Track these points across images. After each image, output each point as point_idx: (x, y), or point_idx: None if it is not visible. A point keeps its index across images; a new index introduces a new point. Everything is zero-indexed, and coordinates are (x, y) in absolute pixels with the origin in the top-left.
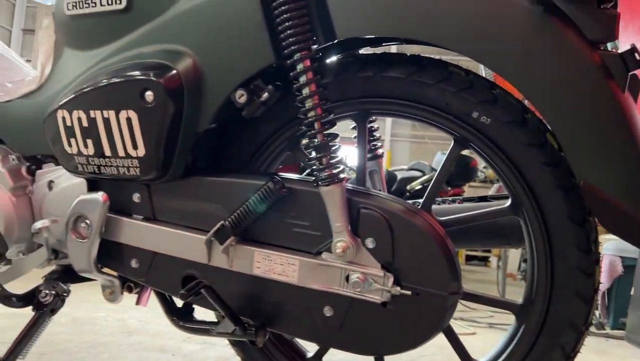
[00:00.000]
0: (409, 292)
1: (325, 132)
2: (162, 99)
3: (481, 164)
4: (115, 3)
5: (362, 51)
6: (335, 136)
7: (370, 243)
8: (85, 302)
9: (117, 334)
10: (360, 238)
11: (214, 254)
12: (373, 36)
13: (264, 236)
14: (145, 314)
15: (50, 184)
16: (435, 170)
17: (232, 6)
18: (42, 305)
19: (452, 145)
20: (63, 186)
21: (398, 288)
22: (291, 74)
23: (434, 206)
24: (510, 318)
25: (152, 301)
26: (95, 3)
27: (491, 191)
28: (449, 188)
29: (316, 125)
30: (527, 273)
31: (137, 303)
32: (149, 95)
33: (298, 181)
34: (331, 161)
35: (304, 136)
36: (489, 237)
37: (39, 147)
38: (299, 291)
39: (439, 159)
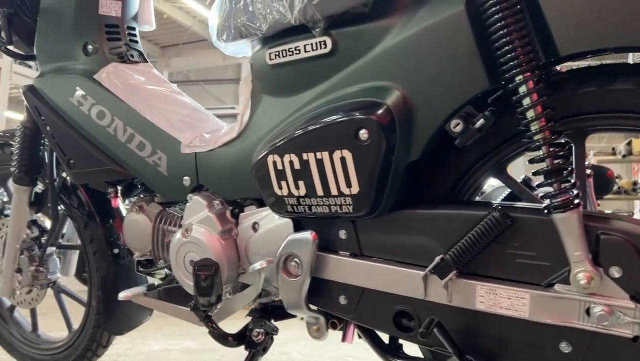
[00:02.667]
0: None
1: (555, 155)
2: (376, 135)
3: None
4: (321, 47)
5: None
6: (567, 157)
7: (616, 272)
8: None
9: None
10: (602, 267)
11: (430, 289)
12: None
13: (484, 269)
14: (304, 347)
15: (254, 226)
16: None
17: (441, 36)
18: (255, 344)
19: None
20: (269, 227)
21: None
22: (514, 97)
23: None
24: None
25: (304, 332)
26: (299, 50)
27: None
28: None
29: (544, 149)
30: None
31: (343, 339)
32: (364, 133)
33: (523, 209)
34: (565, 185)
35: (510, 160)
36: None
37: (242, 192)
38: (530, 326)
39: None
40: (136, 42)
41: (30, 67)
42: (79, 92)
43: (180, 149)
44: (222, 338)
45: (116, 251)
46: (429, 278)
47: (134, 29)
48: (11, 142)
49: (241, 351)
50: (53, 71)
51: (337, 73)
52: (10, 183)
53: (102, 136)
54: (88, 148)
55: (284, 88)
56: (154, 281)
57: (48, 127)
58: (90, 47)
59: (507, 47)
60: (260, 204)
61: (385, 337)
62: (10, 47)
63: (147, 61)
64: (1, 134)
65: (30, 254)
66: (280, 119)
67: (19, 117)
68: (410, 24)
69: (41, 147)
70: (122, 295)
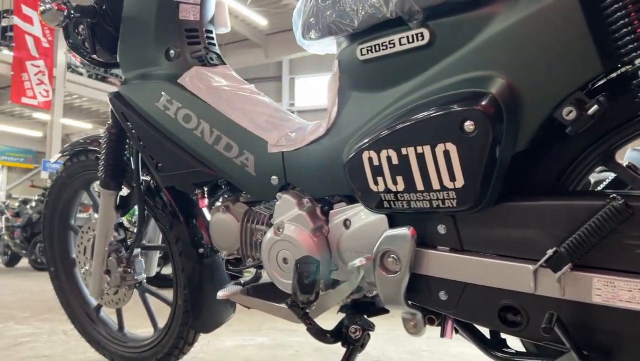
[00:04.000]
0: None
1: None
2: (482, 127)
3: None
4: (417, 40)
5: None
6: None
7: None
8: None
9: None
10: None
11: (541, 283)
12: None
13: (600, 261)
14: (377, 341)
15: (345, 223)
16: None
17: (550, 21)
18: (353, 341)
19: None
20: (361, 224)
21: None
22: (634, 81)
23: None
24: None
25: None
26: (393, 44)
27: None
28: None
29: None
30: None
31: (442, 335)
32: (469, 124)
33: None
34: None
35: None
36: None
37: (332, 189)
38: None
39: (632, 156)
40: (214, 45)
41: (81, 74)
42: (165, 96)
43: (267, 149)
44: (320, 335)
45: (201, 250)
46: (540, 271)
47: (211, 32)
48: (92, 148)
49: (316, 345)
50: (137, 77)
51: (435, 65)
52: (94, 187)
53: (189, 139)
54: (176, 151)
55: (376, 83)
56: (239, 279)
57: (135, 133)
58: (172, 52)
59: (626, 28)
60: (350, 200)
61: (485, 331)
62: (94, 56)
63: (225, 64)
64: (82, 140)
65: (118, 256)
66: (372, 115)
67: (73, 123)
68: (514, 10)
69: (125, 152)
70: (220, 294)
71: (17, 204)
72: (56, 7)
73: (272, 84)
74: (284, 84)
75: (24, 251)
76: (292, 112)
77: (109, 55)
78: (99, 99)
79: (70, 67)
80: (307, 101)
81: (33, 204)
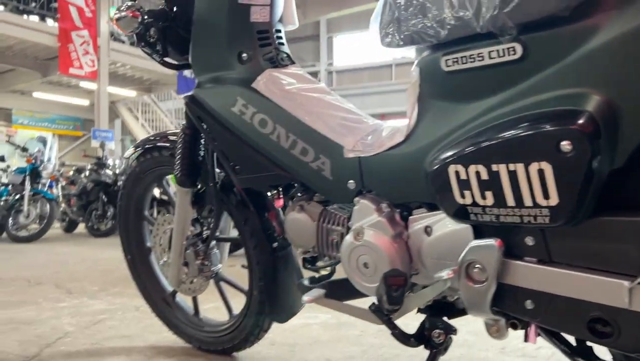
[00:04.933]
0: None
1: None
2: (580, 147)
3: None
4: (509, 54)
5: None
6: None
7: None
8: None
9: None
10: None
11: (637, 299)
12: None
13: None
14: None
15: (427, 229)
16: None
17: None
18: (437, 344)
19: None
20: (444, 232)
21: None
22: None
23: None
24: None
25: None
26: (482, 57)
27: None
28: None
29: None
30: None
31: (526, 340)
32: (566, 145)
33: None
34: None
35: None
36: None
37: (412, 196)
38: None
39: None
40: (283, 44)
41: (123, 42)
42: (240, 101)
43: (344, 154)
44: (404, 338)
45: (275, 244)
46: (637, 288)
47: (280, 31)
48: (163, 145)
49: (380, 326)
50: (210, 80)
51: (527, 79)
52: (166, 181)
53: (265, 143)
54: (252, 155)
55: (461, 94)
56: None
57: (211, 135)
58: (244, 55)
59: None
60: (430, 207)
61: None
62: (166, 59)
63: (294, 62)
64: (152, 137)
65: (195, 249)
66: (457, 126)
67: (118, 91)
68: (615, 25)
69: (200, 151)
70: (306, 299)
71: (71, 172)
72: (131, 15)
73: (309, 43)
74: (322, 44)
75: (80, 218)
76: (330, 72)
77: (180, 56)
78: (141, 66)
79: (112, 35)
80: (345, 61)
81: (87, 173)
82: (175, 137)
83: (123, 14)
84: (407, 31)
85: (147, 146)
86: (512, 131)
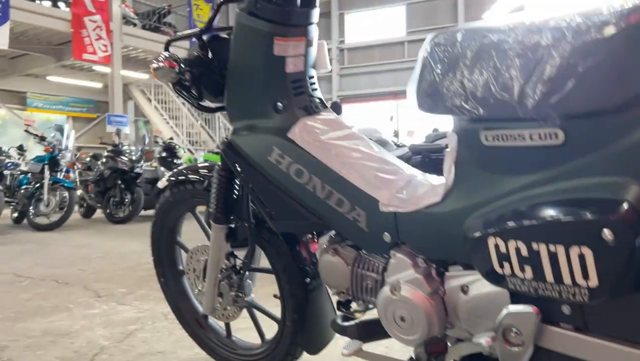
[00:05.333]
0: None
1: None
2: (622, 236)
3: None
4: (551, 138)
5: None
6: None
7: None
8: None
9: None
10: None
11: None
12: None
13: None
14: None
15: (463, 288)
16: None
17: None
18: None
19: None
20: (482, 293)
21: None
22: None
23: None
24: None
25: None
26: (523, 138)
27: None
28: None
29: None
30: None
31: None
32: (608, 233)
33: None
34: None
35: None
36: None
37: (448, 254)
38: None
39: None
40: (316, 89)
41: (135, 25)
42: (277, 151)
43: (379, 207)
44: None
45: (307, 279)
46: None
47: (312, 77)
48: (194, 178)
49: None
50: (246, 128)
51: (567, 163)
52: (198, 211)
53: (301, 192)
54: (288, 201)
55: (500, 167)
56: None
57: (247, 181)
58: (279, 105)
59: None
60: (467, 266)
61: None
62: (201, 103)
63: (326, 107)
64: (184, 171)
65: (230, 282)
66: (495, 196)
67: (130, 74)
68: None
69: (235, 190)
70: (345, 352)
71: (88, 158)
72: (168, 65)
73: (320, 20)
74: (333, 21)
75: (98, 205)
76: (342, 50)
77: (214, 98)
78: (154, 50)
79: (124, 19)
80: (357, 38)
81: (104, 160)
82: (206, 171)
83: (161, 64)
84: (446, 101)
85: (180, 178)
86: (554, 214)
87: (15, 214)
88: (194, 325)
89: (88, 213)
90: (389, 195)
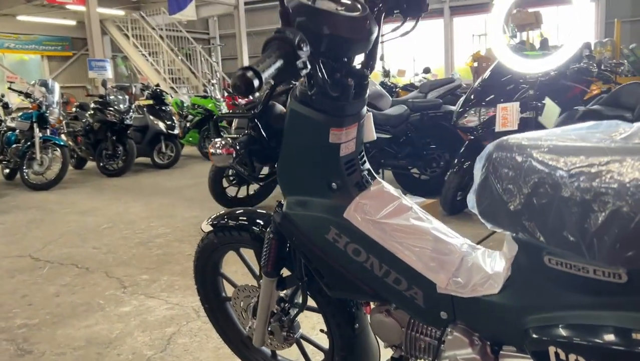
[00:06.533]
0: None
1: None
2: None
3: None
4: (614, 277)
5: None
6: None
7: None
8: None
9: None
10: None
11: None
12: None
13: None
14: None
15: None
16: None
17: None
18: None
19: None
20: None
21: None
22: None
23: None
24: None
25: None
26: (587, 271)
27: None
28: None
29: None
30: None
31: None
32: None
33: None
34: None
35: None
36: None
37: (504, 339)
38: None
39: None
40: (365, 162)
41: None
42: (333, 230)
43: (437, 289)
44: None
45: (356, 325)
46: None
47: (362, 152)
48: (242, 227)
49: None
50: (301, 203)
51: (629, 298)
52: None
53: (358, 269)
54: (345, 275)
55: (561, 284)
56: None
57: (304, 253)
58: (334, 185)
59: None
60: (521, 348)
61: None
62: (254, 174)
63: (375, 177)
64: (227, 215)
65: (280, 323)
66: (556, 306)
67: (106, 11)
68: None
69: (286, 249)
70: None
71: (74, 109)
72: (225, 152)
73: None
74: None
75: (90, 157)
76: None
77: (263, 165)
78: None
79: None
80: None
81: (92, 112)
82: (255, 220)
83: (219, 151)
84: (511, 221)
85: (223, 223)
86: (615, 340)
87: (7, 170)
88: (240, 345)
89: (80, 164)
90: (445, 279)
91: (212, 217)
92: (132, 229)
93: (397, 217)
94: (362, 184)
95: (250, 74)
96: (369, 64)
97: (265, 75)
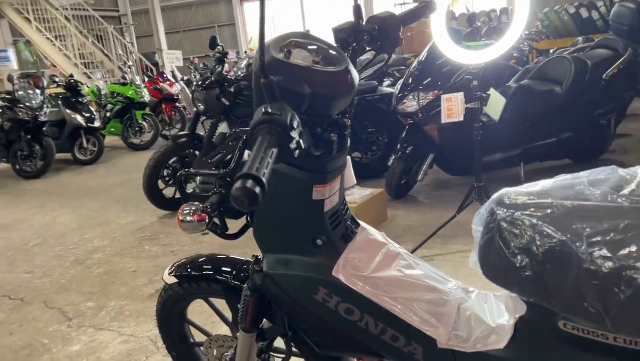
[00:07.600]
0: None
1: None
2: None
3: None
4: (635, 345)
5: None
6: None
7: None
8: None
9: None
10: None
11: None
12: None
13: None
14: None
15: None
16: None
17: None
18: None
19: None
20: None
21: None
22: None
23: None
24: None
25: None
26: (607, 338)
27: None
28: None
29: None
30: None
31: None
32: None
33: None
34: None
35: None
36: None
37: None
38: None
39: None
40: (347, 210)
41: None
42: (323, 290)
43: (437, 344)
44: None
45: None
46: None
47: (344, 202)
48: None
49: None
50: (283, 262)
51: None
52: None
53: (353, 329)
54: (337, 335)
55: (574, 345)
56: None
57: (289, 313)
58: (319, 241)
59: None
60: None
61: None
62: (227, 232)
63: (359, 223)
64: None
65: None
66: None
67: None
68: None
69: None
70: None
71: None
72: (197, 219)
73: None
74: None
75: (4, 160)
76: None
77: (236, 219)
78: None
79: None
80: None
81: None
82: (210, 268)
83: (189, 218)
84: (520, 284)
85: (192, 273)
86: None
87: None
88: None
89: None
90: (445, 333)
91: (174, 266)
92: (64, 244)
93: (387, 268)
94: (347, 235)
95: (250, 183)
96: (347, 111)
97: (265, 178)
